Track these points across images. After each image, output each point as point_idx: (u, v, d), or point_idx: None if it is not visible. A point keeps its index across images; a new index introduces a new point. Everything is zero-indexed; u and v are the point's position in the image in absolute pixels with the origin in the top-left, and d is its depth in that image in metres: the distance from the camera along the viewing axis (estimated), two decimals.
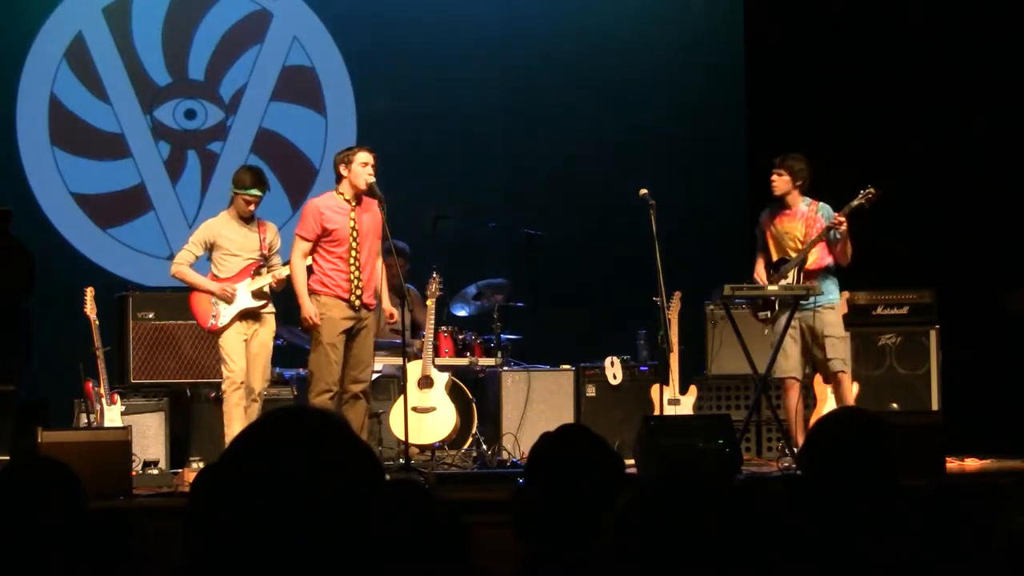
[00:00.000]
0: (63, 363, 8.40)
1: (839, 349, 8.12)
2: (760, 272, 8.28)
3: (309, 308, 7.55)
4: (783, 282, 8.10)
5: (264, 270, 7.88)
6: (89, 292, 8.07)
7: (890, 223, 9.20)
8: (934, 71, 10.22)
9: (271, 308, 7.92)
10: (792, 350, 8.08)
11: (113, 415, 7.92)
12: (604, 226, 10.36)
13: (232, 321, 7.77)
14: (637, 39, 11.02)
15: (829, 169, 8.33)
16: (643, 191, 7.96)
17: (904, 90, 10.30)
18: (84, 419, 8.18)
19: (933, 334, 9.04)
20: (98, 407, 7.97)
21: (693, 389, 8.82)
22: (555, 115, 10.88)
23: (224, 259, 7.86)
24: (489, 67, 10.94)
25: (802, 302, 8.03)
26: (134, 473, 7.30)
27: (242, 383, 7.70)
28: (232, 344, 7.76)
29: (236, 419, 7.62)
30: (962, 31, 10.13)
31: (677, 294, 8.64)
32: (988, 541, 2.78)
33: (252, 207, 7.87)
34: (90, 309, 8.03)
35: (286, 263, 7.81)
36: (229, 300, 7.76)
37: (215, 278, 7.86)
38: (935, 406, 8.85)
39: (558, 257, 9.88)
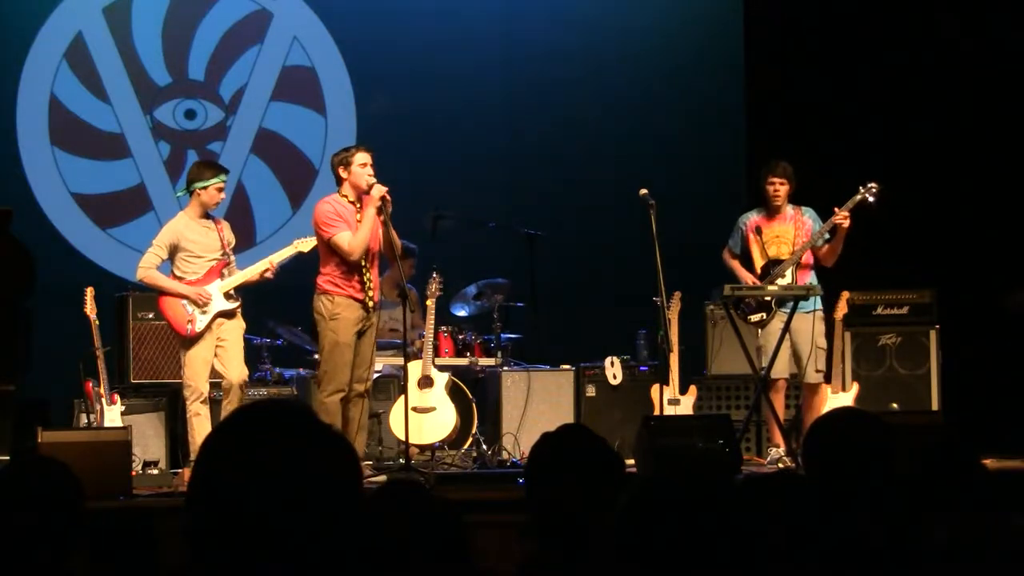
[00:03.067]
0: (63, 363, 8.39)
1: (821, 360, 8.16)
2: (747, 275, 8.28)
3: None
4: (781, 281, 8.12)
5: (226, 271, 7.71)
6: (89, 292, 8.05)
7: (890, 223, 9.20)
8: (934, 71, 10.21)
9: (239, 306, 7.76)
10: (783, 350, 8.11)
11: (113, 415, 7.90)
12: (604, 226, 10.36)
13: (208, 326, 7.59)
14: (637, 39, 11.01)
15: (830, 170, 8.32)
16: (643, 191, 7.96)
17: (904, 90, 10.30)
18: (84, 419, 8.17)
19: (933, 334, 9.04)
20: (98, 407, 7.96)
21: (693, 389, 8.81)
22: (555, 115, 10.88)
23: (188, 261, 7.67)
24: (489, 67, 10.94)
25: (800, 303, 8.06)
26: (134, 473, 7.29)
27: (203, 393, 7.59)
28: (198, 358, 7.58)
29: (197, 426, 7.55)
30: (963, 30, 10.13)
31: (677, 294, 8.63)
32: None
33: (223, 195, 7.76)
34: (90, 309, 8.01)
35: (307, 237, 7.72)
36: (205, 305, 7.60)
37: (180, 281, 7.66)
38: (935, 406, 8.85)
39: (558, 257, 9.87)
